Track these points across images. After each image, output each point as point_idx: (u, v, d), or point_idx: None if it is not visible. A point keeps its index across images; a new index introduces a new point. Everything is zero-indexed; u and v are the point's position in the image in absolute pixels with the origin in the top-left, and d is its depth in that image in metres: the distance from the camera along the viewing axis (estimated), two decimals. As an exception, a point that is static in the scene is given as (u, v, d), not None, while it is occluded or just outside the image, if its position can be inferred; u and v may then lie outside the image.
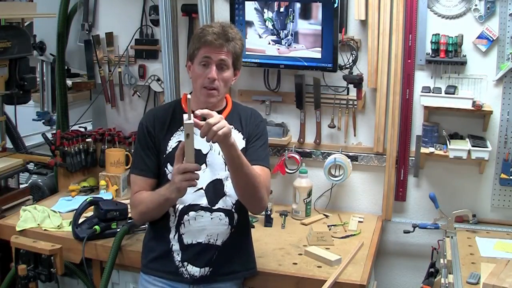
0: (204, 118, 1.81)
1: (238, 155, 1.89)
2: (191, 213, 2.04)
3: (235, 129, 2.10)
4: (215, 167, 2.06)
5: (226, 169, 2.02)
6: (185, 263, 2.06)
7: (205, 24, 2.19)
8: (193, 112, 1.82)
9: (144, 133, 2.09)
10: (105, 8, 3.22)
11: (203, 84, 2.00)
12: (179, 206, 2.04)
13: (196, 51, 2.02)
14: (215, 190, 2.05)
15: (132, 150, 2.97)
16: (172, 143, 2.07)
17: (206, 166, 2.05)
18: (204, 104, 2.02)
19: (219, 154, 2.04)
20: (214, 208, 2.05)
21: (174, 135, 2.07)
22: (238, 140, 2.07)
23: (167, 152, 2.07)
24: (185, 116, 1.79)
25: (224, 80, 2.02)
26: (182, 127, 1.99)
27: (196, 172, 1.85)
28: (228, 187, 2.05)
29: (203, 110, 1.83)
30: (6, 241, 2.53)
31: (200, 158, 2.01)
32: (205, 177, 2.03)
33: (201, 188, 2.03)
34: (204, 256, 2.05)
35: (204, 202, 2.04)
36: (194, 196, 2.03)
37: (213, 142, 1.83)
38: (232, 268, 2.12)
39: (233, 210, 2.08)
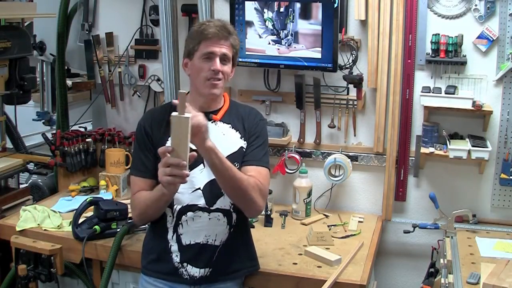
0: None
1: (219, 160, 1.87)
2: (189, 214, 2.03)
3: (232, 128, 2.09)
4: None
5: None
6: (185, 264, 2.05)
7: (201, 22, 2.18)
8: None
9: (142, 134, 2.09)
10: (105, 8, 3.22)
11: (207, 77, 1.98)
12: (177, 207, 2.04)
13: (196, 46, 2.00)
14: (212, 190, 2.03)
15: (132, 150, 2.98)
16: (169, 144, 2.06)
17: (204, 166, 2.03)
18: (208, 96, 2.02)
19: None
20: (212, 208, 2.04)
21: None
22: (235, 139, 2.07)
23: None
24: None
25: (226, 73, 2.01)
26: None
27: (181, 167, 1.74)
28: None
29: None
30: (6, 241, 2.53)
31: (198, 158, 2.00)
32: (202, 177, 2.03)
33: (199, 188, 2.03)
34: (204, 256, 2.05)
35: (202, 202, 2.03)
36: (192, 196, 2.03)
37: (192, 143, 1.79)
38: (233, 267, 2.11)
39: (231, 210, 2.07)
